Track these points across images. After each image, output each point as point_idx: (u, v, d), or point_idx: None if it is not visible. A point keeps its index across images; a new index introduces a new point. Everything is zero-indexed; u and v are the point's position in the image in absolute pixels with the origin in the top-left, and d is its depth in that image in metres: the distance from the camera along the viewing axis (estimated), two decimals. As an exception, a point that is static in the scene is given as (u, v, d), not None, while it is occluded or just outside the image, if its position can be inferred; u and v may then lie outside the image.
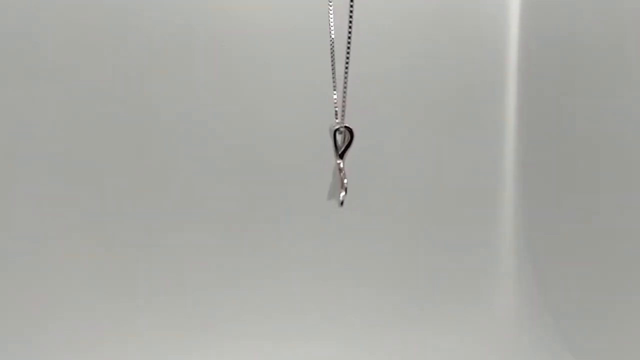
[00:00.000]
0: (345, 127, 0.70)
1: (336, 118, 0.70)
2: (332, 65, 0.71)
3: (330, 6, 0.69)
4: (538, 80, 1.22)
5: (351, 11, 0.66)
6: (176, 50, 1.12)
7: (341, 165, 0.70)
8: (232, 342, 1.14)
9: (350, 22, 0.67)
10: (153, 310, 1.13)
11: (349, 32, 0.67)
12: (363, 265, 1.22)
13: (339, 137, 0.70)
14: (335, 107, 0.71)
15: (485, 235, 1.27)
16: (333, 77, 0.71)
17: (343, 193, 0.70)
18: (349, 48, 0.68)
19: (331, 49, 0.70)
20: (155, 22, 1.11)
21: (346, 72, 0.70)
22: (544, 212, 1.21)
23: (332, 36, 0.70)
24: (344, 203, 0.69)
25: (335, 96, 0.70)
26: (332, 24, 0.69)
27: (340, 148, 0.70)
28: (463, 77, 1.25)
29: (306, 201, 1.17)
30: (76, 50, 1.08)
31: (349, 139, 0.70)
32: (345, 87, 0.70)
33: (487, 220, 1.27)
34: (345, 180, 0.69)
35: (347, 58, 0.69)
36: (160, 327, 1.13)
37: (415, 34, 1.22)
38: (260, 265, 1.18)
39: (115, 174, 1.12)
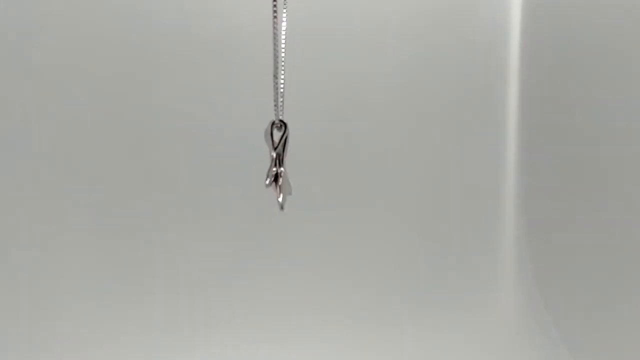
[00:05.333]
0: (280, 121, 0.70)
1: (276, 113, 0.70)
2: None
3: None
4: (539, 81, 1.22)
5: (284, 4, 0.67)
6: (176, 50, 1.12)
7: (279, 168, 0.69)
8: (232, 342, 1.14)
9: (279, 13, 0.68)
10: (153, 309, 1.13)
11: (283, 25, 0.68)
12: (361, 265, 1.22)
13: (275, 132, 0.70)
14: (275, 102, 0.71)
15: (485, 235, 1.27)
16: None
17: (281, 196, 0.69)
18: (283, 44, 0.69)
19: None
20: (156, 21, 1.11)
21: (282, 68, 0.70)
22: (544, 212, 1.21)
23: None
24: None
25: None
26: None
27: (276, 142, 0.70)
28: (464, 78, 1.25)
29: (305, 200, 1.17)
30: (76, 50, 1.09)
31: (284, 133, 0.70)
32: (282, 84, 0.71)
33: (487, 220, 1.27)
34: (268, 181, 0.68)
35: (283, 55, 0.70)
36: (160, 326, 1.13)
37: (416, 36, 1.22)
38: (259, 264, 1.18)
39: (115, 173, 1.12)
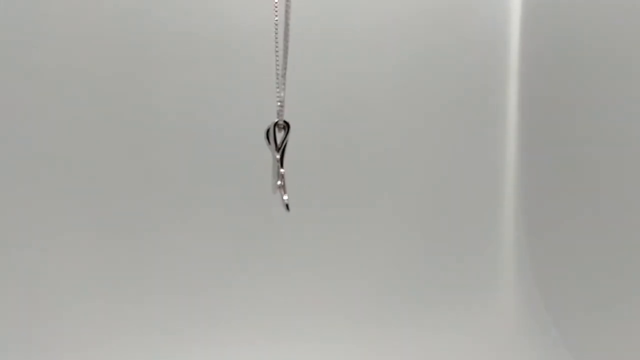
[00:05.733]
0: (284, 121, 0.70)
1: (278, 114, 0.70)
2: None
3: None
4: (539, 81, 1.22)
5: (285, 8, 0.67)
6: (176, 50, 1.12)
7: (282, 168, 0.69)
8: (232, 341, 1.14)
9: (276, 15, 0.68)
10: (153, 309, 1.13)
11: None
12: (362, 265, 1.22)
13: (278, 133, 0.70)
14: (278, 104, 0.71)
15: (485, 235, 1.27)
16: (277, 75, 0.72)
17: (286, 197, 0.69)
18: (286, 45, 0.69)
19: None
20: (156, 21, 1.11)
21: (284, 69, 0.70)
22: (544, 212, 1.21)
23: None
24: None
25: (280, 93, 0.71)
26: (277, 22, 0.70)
27: (280, 144, 0.70)
28: (464, 78, 1.25)
29: (306, 200, 1.17)
30: (76, 50, 1.09)
31: (286, 134, 0.70)
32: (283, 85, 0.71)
33: (487, 220, 1.27)
34: (279, 182, 0.68)
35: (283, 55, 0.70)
36: (160, 326, 1.13)
37: (416, 36, 1.22)
38: (259, 264, 1.18)
39: (115, 173, 1.12)
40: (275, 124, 0.69)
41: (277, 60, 0.74)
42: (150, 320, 1.13)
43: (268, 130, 0.68)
